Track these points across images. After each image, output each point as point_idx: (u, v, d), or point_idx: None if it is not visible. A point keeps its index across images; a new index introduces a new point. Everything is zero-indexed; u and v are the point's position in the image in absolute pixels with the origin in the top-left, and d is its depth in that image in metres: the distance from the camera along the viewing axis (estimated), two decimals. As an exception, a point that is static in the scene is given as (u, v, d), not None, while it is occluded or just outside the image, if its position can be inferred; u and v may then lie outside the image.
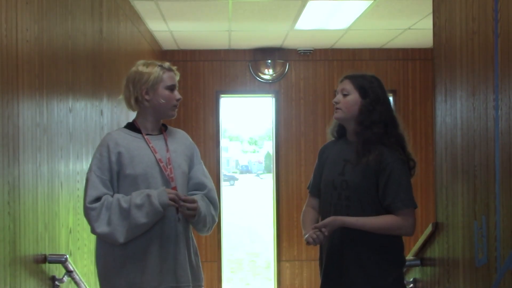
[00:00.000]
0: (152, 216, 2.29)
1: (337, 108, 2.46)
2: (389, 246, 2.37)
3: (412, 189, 2.37)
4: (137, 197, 2.30)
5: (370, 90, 2.41)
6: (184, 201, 2.33)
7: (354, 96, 2.41)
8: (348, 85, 2.44)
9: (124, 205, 2.28)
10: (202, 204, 2.42)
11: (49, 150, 2.63)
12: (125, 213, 2.27)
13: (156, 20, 5.12)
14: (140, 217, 2.27)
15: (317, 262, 2.58)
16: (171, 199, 2.30)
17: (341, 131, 2.56)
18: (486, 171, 2.46)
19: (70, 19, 2.96)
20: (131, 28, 4.60)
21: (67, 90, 2.90)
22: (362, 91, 2.41)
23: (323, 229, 2.32)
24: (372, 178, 2.34)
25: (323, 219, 2.43)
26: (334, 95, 2.54)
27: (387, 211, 2.34)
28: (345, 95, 2.43)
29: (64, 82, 2.87)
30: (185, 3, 4.57)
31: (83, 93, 3.22)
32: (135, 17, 4.79)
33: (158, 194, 2.29)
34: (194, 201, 2.35)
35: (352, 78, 2.45)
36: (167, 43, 6.24)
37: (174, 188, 2.39)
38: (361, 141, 2.39)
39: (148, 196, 2.28)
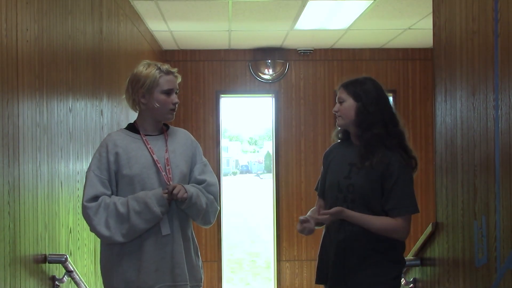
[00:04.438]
0: (152, 222, 2.34)
1: (338, 116, 2.55)
2: (392, 247, 2.45)
3: (414, 194, 2.43)
4: (135, 203, 2.32)
5: (362, 92, 2.48)
6: (172, 189, 2.35)
7: (349, 102, 2.50)
8: (342, 93, 2.53)
9: (122, 209, 2.31)
10: (191, 189, 2.41)
11: (49, 150, 2.63)
12: (122, 217, 2.31)
13: (156, 20, 5.12)
14: (140, 224, 2.32)
15: (317, 262, 2.60)
16: (167, 199, 2.35)
17: (345, 134, 2.64)
18: (486, 171, 2.45)
19: (70, 19, 2.96)
20: (131, 28, 4.60)
21: (67, 90, 2.90)
22: (355, 95, 2.49)
23: (326, 216, 2.38)
24: (377, 182, 2.40)
25: None
26: (335, 100, 2.63)
27: (386, 214, 2.42)
28: (341, 103, 2.53)
29: (64, 82, 2.87)
30: (185, 3, 4.57)
31: (83, 93, 3.22)
32: (135, 17, 4.79)
33: (158, 201, 2.32)
34: (174, 186, 2.35)
35: (345, 86, 2.54)
36: (167, 43, 6.24)
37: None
38: (363, 143, 2.46)
39: (146, 204, 2.31)
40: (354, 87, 2.52)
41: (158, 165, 2.40)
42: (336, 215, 2.40)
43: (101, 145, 2.46)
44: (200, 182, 2.50)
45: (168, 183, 2.38)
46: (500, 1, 2.29)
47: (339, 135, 2.66)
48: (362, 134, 2.47)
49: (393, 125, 2.47)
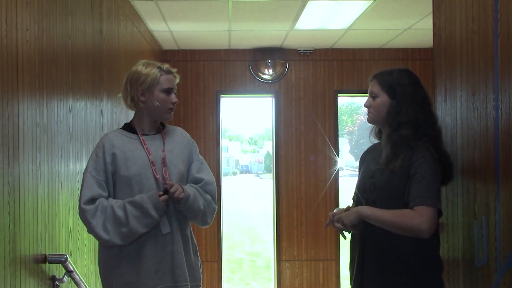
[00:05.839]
0: (151, 225, 2.35)
1: (368, 112, 2.36)
2: (419, 256, 2.20)
3: (437, 187, 2.24)
4: (132, 208, 2.31)
5: (399, 88, 2.28)
6: (170, 187, 2.35)
7: (382, 98, 2.30)
8: (375, 87, 2.32)
9: (119, 213, 2.30)
10: (188, 190, 2.41)
11: (49, 150, 2.63)
12: (119, 221, 2.30)
13: (156, 20, 5.12)
14: (140, 228, 2.32)
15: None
16: (164, 200, 2.34)
17: (381, 133, 2.46)
18: (486, 171, 2.45)
19: (70, 19, 2.96)
20: (131, 28, 4.60)
21: (67, 90, 2.90)
22: (390, 91, 2.28)
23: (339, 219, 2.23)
24: (398, 183, 2.23)
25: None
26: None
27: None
28: (374, 98, 2.32)
29: (64, 82, 2.86)
30: (185, 3, 4.57)
31: (83, 93, 3.22)
32: (135, 17, 4.78)
33: (154, 205, 2.31)
34: (172, 184, 2.35)
35: (379, 78, 2.33)
36: (167, 43, 6.24)
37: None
38: (390, 144, 2.28)
39: (143, 209, 2.30)
40: (389, 81, 2.28)
41: (153, 167, 2.40)
42: (356, 217, 2.21)
43: (98, 145, 2.45)
44: (197, 181, 2.50)
45: (165, 183, 2.37)
46: (500, 1, 2.29)
47: (378, 135, 2.47)
48: (390, 134, 2.29)
49: (428, 125, 2.29)
